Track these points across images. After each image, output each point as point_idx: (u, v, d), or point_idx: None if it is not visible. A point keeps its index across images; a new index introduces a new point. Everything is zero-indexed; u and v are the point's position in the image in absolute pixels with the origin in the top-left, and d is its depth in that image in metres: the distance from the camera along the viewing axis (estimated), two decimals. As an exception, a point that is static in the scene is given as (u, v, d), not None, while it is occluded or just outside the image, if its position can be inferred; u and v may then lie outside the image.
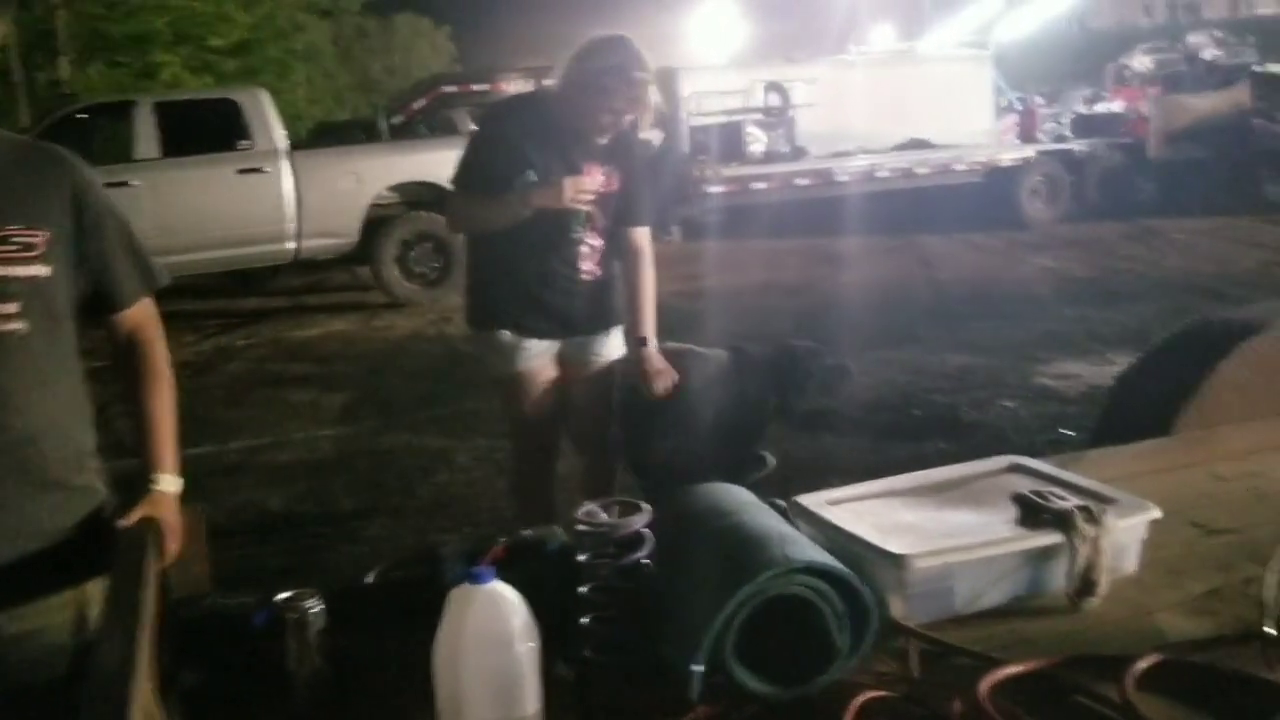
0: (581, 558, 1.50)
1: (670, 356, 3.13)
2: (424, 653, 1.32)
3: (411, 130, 11.85)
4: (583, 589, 1.48)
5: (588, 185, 2.83)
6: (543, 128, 2.87)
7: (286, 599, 1.48)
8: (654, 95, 2.86)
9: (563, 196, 2.77)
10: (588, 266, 2.97)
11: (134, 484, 1.84)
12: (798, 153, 13.32)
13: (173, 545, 1.77)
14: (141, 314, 1.86)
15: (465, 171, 2.94)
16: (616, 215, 3.03)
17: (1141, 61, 36.49)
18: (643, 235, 3.08)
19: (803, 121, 13.51)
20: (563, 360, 3.06)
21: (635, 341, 3.09)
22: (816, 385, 3.25)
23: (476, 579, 1.30)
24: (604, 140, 2.89)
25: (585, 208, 2.86)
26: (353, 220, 9.63)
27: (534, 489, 3.16)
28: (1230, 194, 13.13)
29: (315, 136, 15.71)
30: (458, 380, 6.43)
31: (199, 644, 1.55)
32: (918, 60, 17.01)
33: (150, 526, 1.71)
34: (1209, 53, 35.30)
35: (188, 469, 1.90)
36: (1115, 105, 21.60)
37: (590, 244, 2.96)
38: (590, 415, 3.13)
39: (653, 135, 12.93)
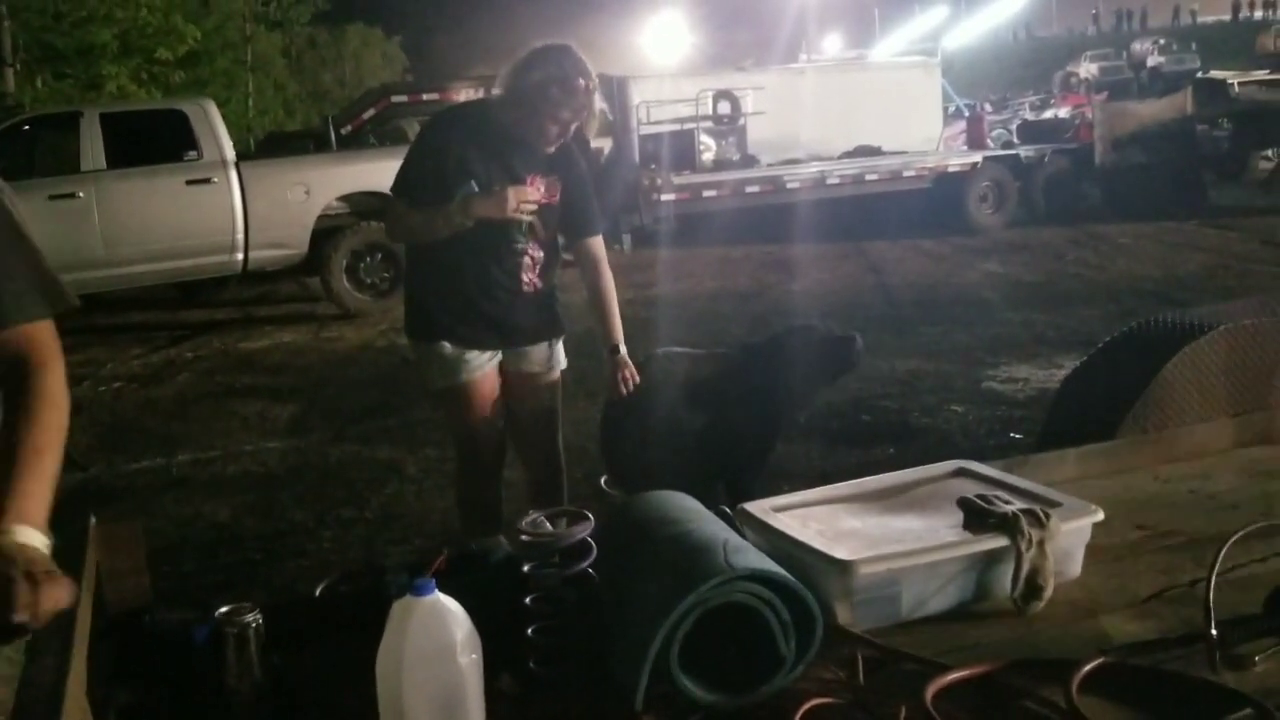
0: (526, 568, 1.49)
1: (662, 362, 3.16)
2: (366, 666, 1.30)
3: (361, 140, 11.77)
4: (527, 599, 1.47)
5: (530, 195, 2.80)
6: (485, 137, 2.84)
7: (226, 614, 1.45)
8: (598, 102, 2.85)
9: (505, 207, 2.75)
10: (529, 278, 2.95)
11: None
12: (748, 160, 13.39)
13: (46, 598, 1.28)
14: (32, 336, 1.57)
15: (405, 180, 2.91)
16: (568, 226, 3.02)
17: (1087, 69, 37.29)
18: (598, 244, 3.08)
19: (753, 129, 13.59)
20: (505, 371, 3.04)
21: (608, 350, 3.09)
22: (838, 359, 3.36)
23: (418, 591, 1.28)
24: (549, 149, 2.87)
25: (527, 218, 2.84)
26: (301, 231, 9.54)
27: (480, 500, 3.14)
28: (1175, 199, 13.36)
29: (264, 147, 15.56)
30: (408, 391, 6.37)
31: (138, 660, 1.52)
32: (867, 68, 17.19)
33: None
34: (1153, 60, 36.07)
35: (132, 483, 1.79)
36: (1062, 112, 22.00)
37: (532, 255, 2.94)
38: (536, 426, 3.11)
39: (602, 144, 12.99)
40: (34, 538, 1.36)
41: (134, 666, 1.49)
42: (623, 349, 3.08)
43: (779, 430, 3.42)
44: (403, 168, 2.92)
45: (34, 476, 1.43)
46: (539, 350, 3.04)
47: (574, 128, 2.83)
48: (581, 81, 2.75)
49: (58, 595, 1.30)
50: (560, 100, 2.74)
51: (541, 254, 2.96)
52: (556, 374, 3.11)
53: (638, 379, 3.10)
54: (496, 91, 2.88)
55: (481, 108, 2.96)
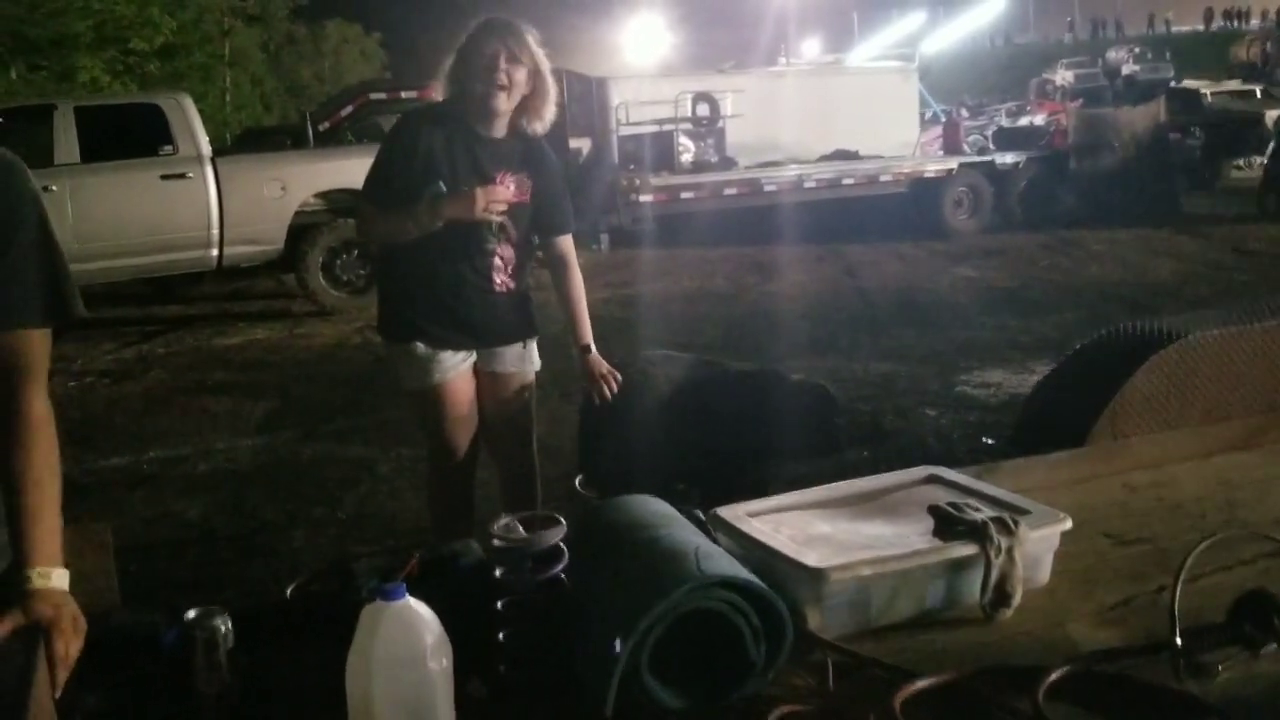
0: (497, 572, 1.48)
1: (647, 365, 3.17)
2: (336, 670, 1.29)
3: (339, 137, 11.72)
4: (498, 604, 1.46)
5: (500, 195, 2.78)
6: (453, 136, 2.82)
7: (194, 617, 1.44)
8: (539, 53, 2.81)
9: (474, 207, 2.73)
10: (500, 278, 2.93)
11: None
12: (727, 163, 13.43)
13: (73, 645, 1.40)
14: (15, 346, 1.52)
15: (375, 181, 2.89)
16: (538, 225, 3.01)
17: (1063, 76, 37.59)
18: (567, 243, 3.07)
19: (732, 132, 13.64)
20: (478, 372, 3.03)
21: (579, 350, 3.08)
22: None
23: (389, 596, 1.28)
24: (502, 109, 2.81)
25: (498, 218, 2.83)
26: (278, 227, 9.50)
27: (452, 500, 3.13)
28: (1148, 206, 13.48)
29: (241, 142, 15.47)
30: (382, 389, 6.35)
31: (104, 665, 1.50)
32: (845, 72, 17.30)
33: (28, 641, 1.36)
34: (1128, 68, 36.43)
35: (101, 481, 1.76)
36: (1037, 118, 22.17)
37: (503, 255, 2.93)
38: (509, 427, 3.10)
39: (581, 144, 12.99)
40: (61, 579, 1.44)
41: (101, 671, 1.48)
42: (593, 348, 3.07)
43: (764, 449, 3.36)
44: (372, 169, 2.90)
45: (42, 511, 1.47)
46: (512, 351, 3.04)
47: (531, 100, 2.80)
48: (515, 26, 2.75)
49: (80, 642, 1.41)
50: (498, 35, 2.73)
51: (513, 254, 2.94)
52: (530, 375, 3.10)
53: (618, 377, 3.09)
54: (444, 83, 2.87)
55: (449, 107, 2.94)
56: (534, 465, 3.17)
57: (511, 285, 2.96)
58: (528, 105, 2.84)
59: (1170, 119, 15.21)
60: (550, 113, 2.89)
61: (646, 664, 1.35)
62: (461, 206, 2.74)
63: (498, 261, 2.92)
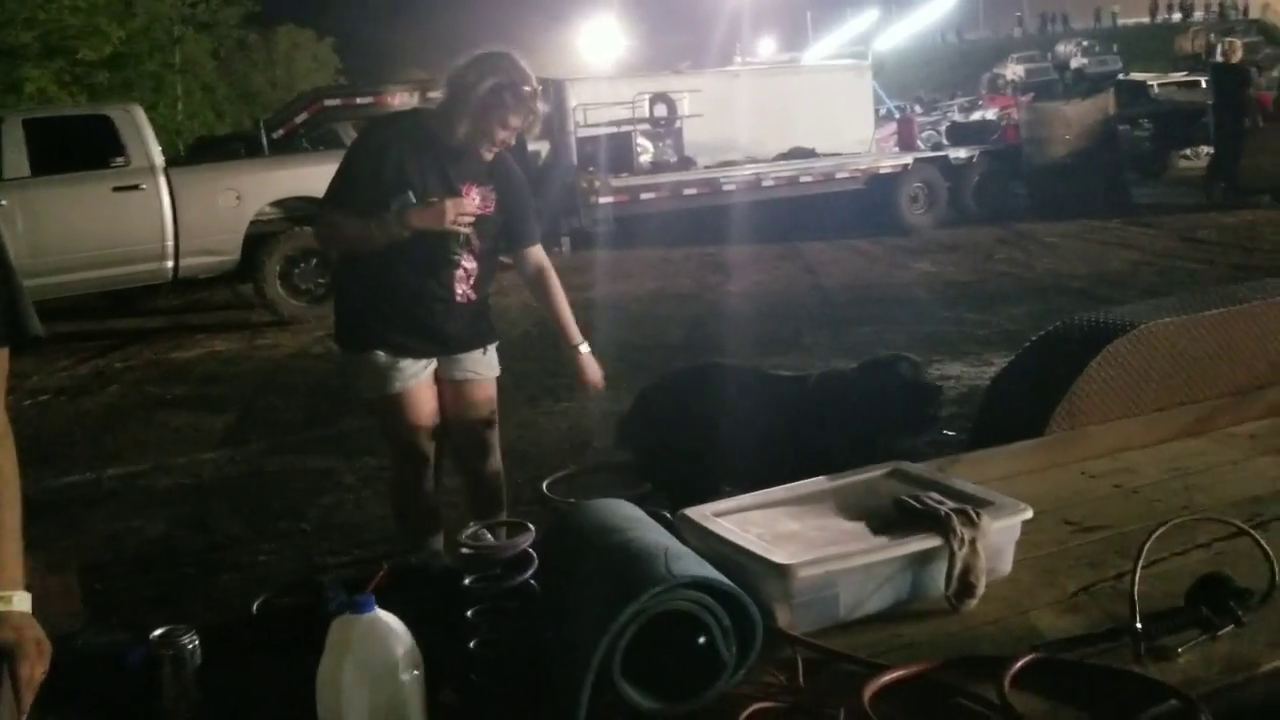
0: (466, 581, 1.49)
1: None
2: (306, 684, 1.29)
3: (293, 145, 11.62)
4: (468, 613, 1.46)
5: (468, 208, 2.80)
6: (422, 147, 2.82)
7: (161, 635, 1.43)
8: (541, 106, 2.85)
9: (443, 218, 2.74)
10: (463, 289, 2.94)
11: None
12: (686, 163, 13.46)
13: (37, 668, 1.39)
14: None
15: (340, 188, 2.87)
16: (508, 238, 3.02)
17: (1014, 70, 37.99)
18: (539, 252, 3.10)
19: (690, 132, 13.67)
20: (440, 380, 3.02)
21: (571, 349, 3.10)
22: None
23: (357, 608, 1.28)
24: (489, 157, 2.87)
25: (465, 230, 2.83)
26: (233, 237, 9.40)
27: (418, 508, 3.11)
28: (1099, 198, 13.66)
29: (194, 151, 15.29)
30: (345, 398, 6.30)
31: (70, 688, 1.49)
32: (800, 71, 17.36)
33: None
34: (1077, 62, 36.87)
35: (61, 499, 1.73)
36: (989, 113, 22.39)
37: (466, 267, 2.93)
38: (474, 433, 3.09)
39: (540, 146, 12.96)
40: (23, 602, 1.43)
41: (67, 694, 1.46)
42: (585, 347, 3.10)
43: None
44: (337, 175, 2.88)
45: (1, 534, 1.47)
46: (473, 357, 3.03)
47: (519, 132, 2.83)
48: (529, 88, 2.77)
49: (45, 665, 1.40)
50: (512, 106, 2.75)
51: (476, 265, 2.95)
52: (492, 380, 3.10)
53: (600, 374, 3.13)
54: (437, 98, 2.87)
55: (417, 117, 2.94)
56: (499, 469, 3.17)
57: (473, 296, 2.97)
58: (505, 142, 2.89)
59: (1119, 111, 15.42)
60: (536, 133, 2.94)
61: (619, 667, 1.36)
62: (431, 217, 2.74)
63: (461, 273, 2.92)
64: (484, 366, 3.06)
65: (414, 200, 2.75)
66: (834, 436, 2.71)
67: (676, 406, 3.17)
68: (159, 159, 9.27)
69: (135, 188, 9.03)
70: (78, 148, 9.01)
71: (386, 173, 2.78)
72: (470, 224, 2.82)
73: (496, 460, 3.15)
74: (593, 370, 3.12)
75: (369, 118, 10.01)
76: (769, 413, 2.93)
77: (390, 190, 2.76)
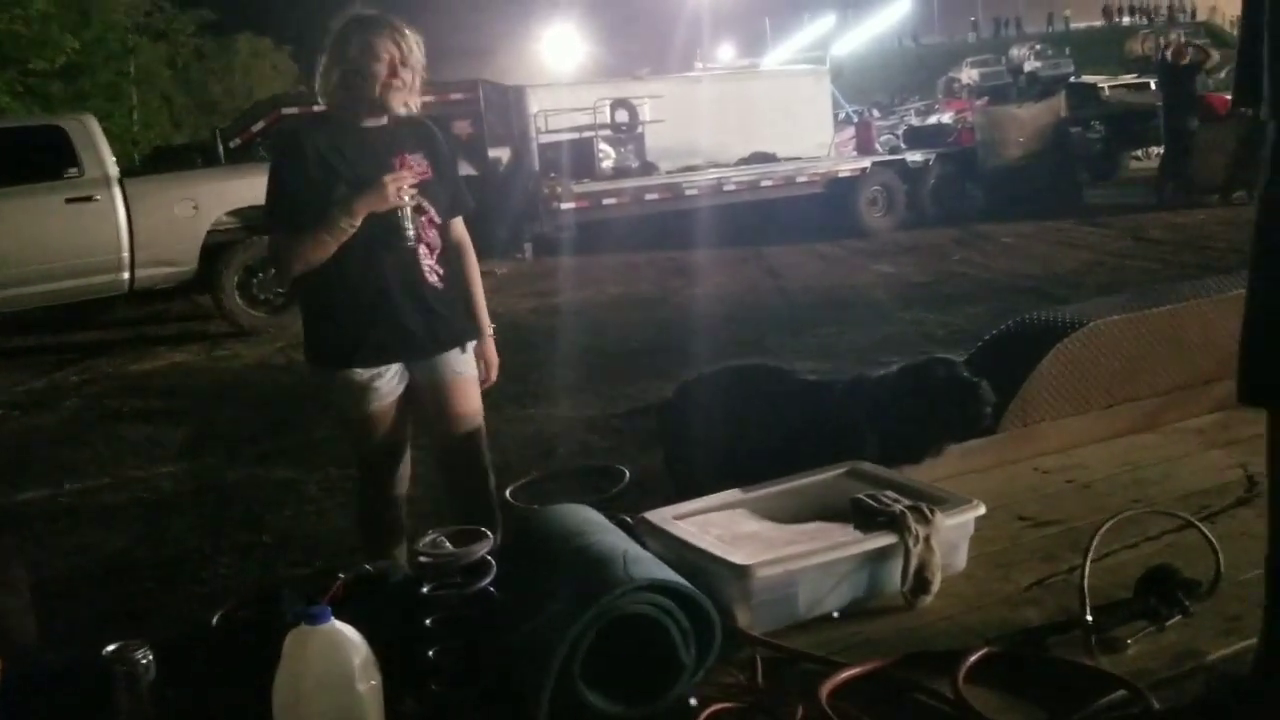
0: (425, 589, 1.48)
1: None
2: (263, 698, 1.28)
3: (251, 153, 11.53)
4: (427, 621, 1.46)
5: (405, 177, 2.73)
6: (339, 134, 2.75)
7: (114, 651, 1.41)
8: (411, 35, 2.77)
9: (386, 194, 2.66)
10: (428, 264, 2.82)
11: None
12: (647, 168, 13.49)
13: None
14: None
15: (279, 206, 2.77)
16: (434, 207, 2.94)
17: (969, 74, 38.37)
18: (461, 225, 2.99)
19: (651, 137, 13.70)
20: (418, 385, 2.95)
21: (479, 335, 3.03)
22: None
23: (313, 619, 1.27)
24: (402, 112, 2.76)
25: (411, 201, 2.77)
26: (191, 247, 9.30)
27: (382, 518, 3.06)
28: (1053, 199, 13.85)
29: (151, 161, 15.13)
30: (306, 409, 6.26)
31: (23, 706, 1.47)
32: (760, 76, 17.48)
33: None
34: (1030, 65, 37.31)
35: (17, 515, 1.71)
36: (945, 117, 22.63)
37: (428, 242, 2.81)
38: (458, 434, 2.99)
39: (501, 153, 12.94)
40: None
41: (20, 713, 1.44)
42: (490, 330, 3.02)
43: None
44: (270, 197, 2.78)
45: None
46: (453, 355, 2.95)
47: (398, 65, 2.75)
48: (379, 15, 2.73)
49: None
50: (372, 30, 2.67)
51: (437, 237, 2.87)
52: (474, 380, 3.01)
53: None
54: (318, 88, 2.82)
55: (323, 113, 2.87)
56: (489, 468, 3.05)
57: (441, 271, 2.86)
58: (400, 85, 2.80)
59: (1071, 113, 15.65)
60: (419, 86, 2.85)
61: (579, 671, 1.37)
62: (374, 197, 2.66)
63: (423, 250, 2.82)
64: (464, 364, 2.98)
65: (347, 189, 2.69)
66: (878, 442, 2.69)
67: (716, 402, 3.10)
68: (114, 169, 9.15)
69: (89, 199, 8.91)
70: (31, 159, 8.87)
71: (315, 169, 2.70)
72: (415, 192, 2.76)
73: (485, 458, 3.06)
74: (490, 357, 3.02)
75: (276, 135, 9.92)
76: (810, 415, 2.91)
77: (324, 185, 2.69)
